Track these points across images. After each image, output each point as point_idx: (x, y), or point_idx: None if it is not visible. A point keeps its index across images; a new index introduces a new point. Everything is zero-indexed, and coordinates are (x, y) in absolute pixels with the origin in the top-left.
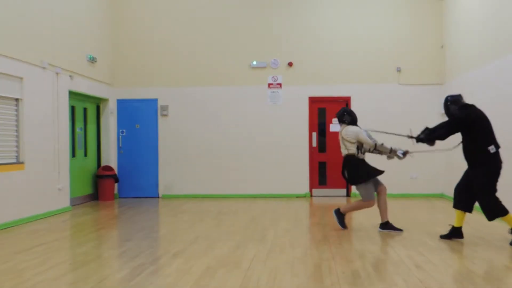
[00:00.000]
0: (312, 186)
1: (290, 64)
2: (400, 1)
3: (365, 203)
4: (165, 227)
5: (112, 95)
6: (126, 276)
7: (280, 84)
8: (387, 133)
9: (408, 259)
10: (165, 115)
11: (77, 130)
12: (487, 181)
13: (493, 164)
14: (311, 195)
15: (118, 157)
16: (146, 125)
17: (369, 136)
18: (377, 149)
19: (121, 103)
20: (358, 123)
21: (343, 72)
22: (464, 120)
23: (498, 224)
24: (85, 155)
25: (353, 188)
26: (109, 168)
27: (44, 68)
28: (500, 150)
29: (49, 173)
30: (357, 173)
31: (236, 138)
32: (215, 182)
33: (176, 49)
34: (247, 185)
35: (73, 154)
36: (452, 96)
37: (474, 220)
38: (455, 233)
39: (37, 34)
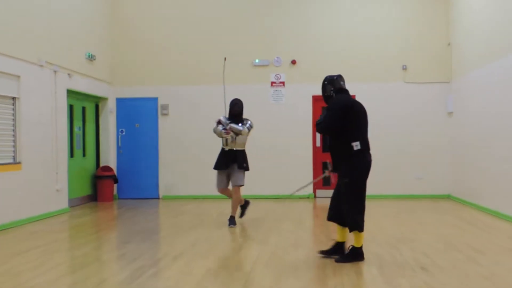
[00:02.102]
0: (316, 187)
1: (293, 62)
2: None
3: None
4: (165, 229)
5: (111, 93)
6: (125, 279)
7: (283, 83)
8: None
9: (414, 261)
10: (166, 114)
11: (76, 129)
12: (351, 185)
13: (357, 164)
14: (315, 196)
15: (118, 157)
16: (146, 125)
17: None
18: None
19: (120, 102)
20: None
21: (347, 70)
22: (345, 106)
23: (508, 226)
24: (84, 155)
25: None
26: (108, 168)
27: (41, 66)
28: (507, 148)
29: (47, 174)
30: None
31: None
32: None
33: (177, 47)
34: (250, 186)
35: (72, 154)
36: (331, 76)
37: (487, 221)
38: (337, 249)
39: (35, 31)
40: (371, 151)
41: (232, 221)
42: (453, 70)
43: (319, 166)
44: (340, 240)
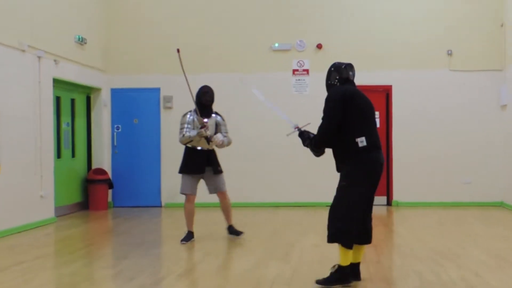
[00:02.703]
0: None
1: (319, 46)
2: None
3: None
4: (168, 242)
5: (105, 83)
6: None
7: (307, 70)
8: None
9: (461, 281)
10: (169, 108)
11: (64, 125)
12: (346, 188)
13: (361, 164)
14: None
15: (113, 158)
16: (146, 120)
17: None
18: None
19: (116, 93)
20: (401, 114)
21: (382, 56)
22: (344, 95)
23: None
24: (73, 155)
25: (395, 195)
26: (101, 171)
27: (23, 51)
28: None
29: (29, 178)
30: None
31: (253, 135)
32: (228, 188)
33: (182, 28)
34: (267, 192)
35: (59, 154)
36: (339, 63)
37: None
38: (343, 274)
39: (15, 10)
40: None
41: (232, 230)
42: (507, 56)
43: None
44: (353, 260)
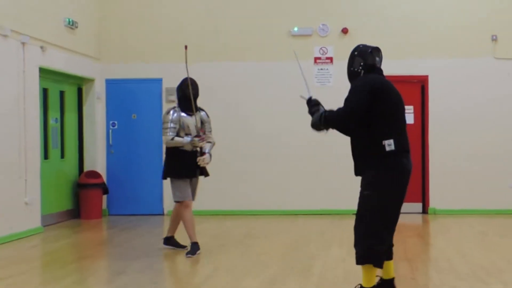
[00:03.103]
0: None
1: (344, 31)
2: None
3: (178, 205)
4: (172, 256)
5: (99, 73)
6: None
7: (330, 59)
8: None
9: None
10: (173, 101)
11: (51, 122)
12: (371, 199)
13: (387, 171)
14: None
15: (108, 160)
16: (146, 116)
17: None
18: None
19: (111, 84)
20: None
21: (417, 42)
22: (374, 87)
23: None
24: (62, 156)
25: (431, 202)
26: (95, 174)
27: (5, 36)
28: None
29: (12, 182)
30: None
31: (269, 133)
32: (241, 194)
33: (187, 10)
34: (285, 198)
35: (46, 155)
36: (364, 46)
37: None
38: None
39: None
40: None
41: (170, 242)
42: None
43: None
44: (385, 277)
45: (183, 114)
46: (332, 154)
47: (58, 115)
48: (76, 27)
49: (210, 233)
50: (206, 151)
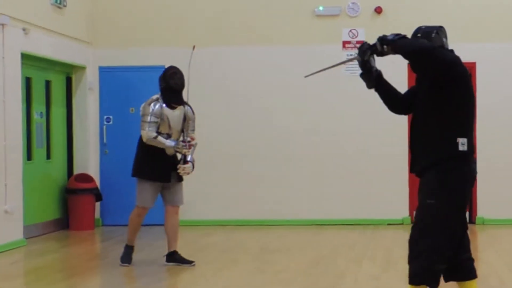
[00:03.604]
0: (413, 206)
1: (378, 11)
2: None
3: (135, 209)
4: (177, 273)
5: (91, 60)
6: None
7: (361, 42)
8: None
9: None
10: None
11: (35, 116)
12: (435, 209)
13: (458, 176)
14: (412, 222)
15: (101, 161)
16: None
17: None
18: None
19: (106, 73)
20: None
21: (463, 24)
22: (458, 66)
23: None
24: (48, 157)
25: (479, 211)
26: (86, 178)
27: None
28: None
29: None
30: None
31: (289, 131)
32: (256, 201)
33: None
34: (307, 206)
35: (29, 155)
36: (427, 28)
37: None
38: None
39: None
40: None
41: (178, 257)
42: None
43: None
44: None
45: (165, 107)
46: (366, 154)
47: (43, 109)
48: (65, 5)
49: (219, 247)
50: (189, 158)
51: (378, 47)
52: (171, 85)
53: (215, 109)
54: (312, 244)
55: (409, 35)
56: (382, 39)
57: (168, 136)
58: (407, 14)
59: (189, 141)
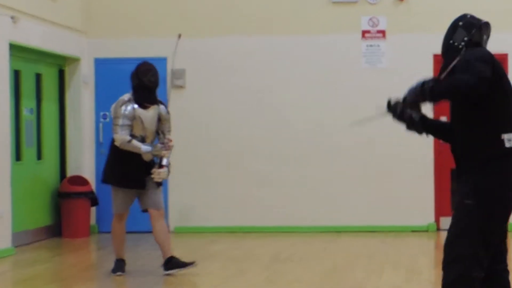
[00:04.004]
0: (439, 212)
1: None
2: None
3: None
4: (179, 283)
5: (86, 51)
6: None
7: (382, 32)
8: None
9: None
10: (180, 87)
11: (25, 113)
12: (474, 211)
13: (503, 175)
14: (438, 228)
15: (97, 162)
16: None
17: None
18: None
19: (102, 65)
20: None
21: (492, 12)
22: (492, 61)
23: None
24: (39, 157)
25: None
26: (81, 180)
27: None
28: None
29: None
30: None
31: (302, 129)
32: (266, 206)
33: None
34: (323, 211)
35: (18, 156)
36: (472, 18)
37: None
38: None
39: None
40: None
41: (176, 262)
42: None
43: (446, 178)
44: None
45: (137, 107)
46: (388, 156)
47: (33, 105)
48: None
49: (226, 255)
50: (165, 162)
51: (417, 98)
52: (145, 83)
53: (220, 104)
54: (327, 253)
55: (436, 22)
56: (419, 94)
57: (143, 139)
58: (431, 1)
59: (166, 142)
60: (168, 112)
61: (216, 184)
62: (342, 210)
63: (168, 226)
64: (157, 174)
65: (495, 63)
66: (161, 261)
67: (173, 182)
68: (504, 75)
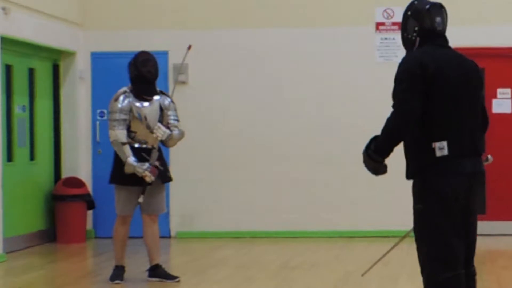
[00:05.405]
0: None
1: None
2: None
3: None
4: None
5: (82, 44)
6: None
7: (397, 25)
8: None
9: None
10: (183, 83)
11: (17, 110)
12: (424, 214)
13: (438, 177)
14: None
15: (94, 162)
16: None
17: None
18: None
19: (99, 59)
20: None
21: (501, 3)
22: (412, 68)
23: None
24: (32, 158)
25: None
26: (76, 182)
27: None
28: None
29: None
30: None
31: (313, 127)
32: (274, 210)
33: None
34: (335, 215)
35: (9, 156)
36: (419, 3)
37: None
38: None
39: None
40: None
41: (162, 272)
42: None
43: None
44: None
45: (135, 100)
46: (401, 158)
47: (26, 102)
48: None
49: (233, 262)
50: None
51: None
52: (144, 74)
53: (233, 100)
54: (339, 260)
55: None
56: (371, 160)
57: (146, 136)
58: None
59: (156, 166)
60: (173, 102)
61: (223, 188)
62: (355, 214)
63: (169, 231)
64: (149, 177)
65: (417, 63)
66: (166, 268)
67: (176, 185)
68: (439, 77)
